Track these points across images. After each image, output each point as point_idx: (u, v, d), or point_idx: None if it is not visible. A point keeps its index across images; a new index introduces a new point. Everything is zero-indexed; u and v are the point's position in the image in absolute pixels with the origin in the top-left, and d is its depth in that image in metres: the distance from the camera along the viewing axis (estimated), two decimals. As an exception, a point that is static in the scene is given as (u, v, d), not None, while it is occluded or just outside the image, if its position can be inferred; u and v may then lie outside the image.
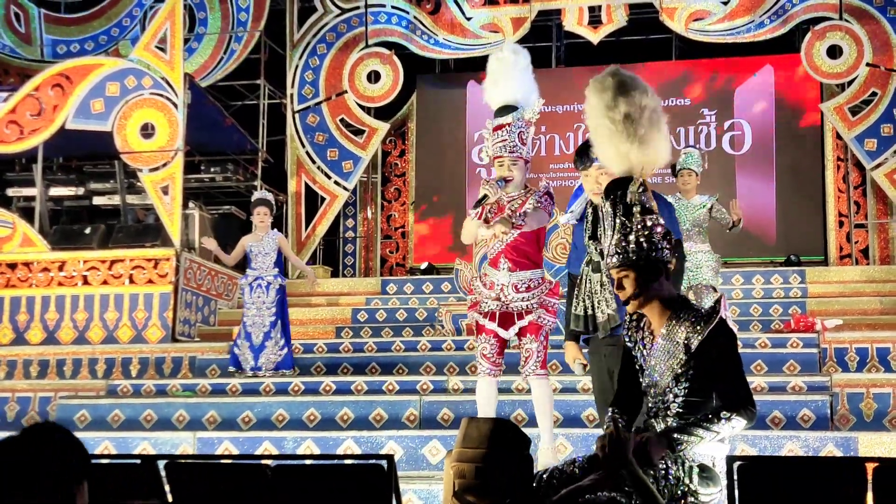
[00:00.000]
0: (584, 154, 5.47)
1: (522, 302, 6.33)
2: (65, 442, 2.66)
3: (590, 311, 5.54)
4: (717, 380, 3.97)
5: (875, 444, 6.72)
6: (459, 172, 15.19)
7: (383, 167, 15.66)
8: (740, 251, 13.64)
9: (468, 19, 14.47)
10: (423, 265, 14.44)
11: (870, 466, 3.43)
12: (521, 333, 6.39)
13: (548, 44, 15.51)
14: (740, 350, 9.33)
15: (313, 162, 14.48)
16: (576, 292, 5.61)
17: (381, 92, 14.40)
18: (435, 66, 15.78)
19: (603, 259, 4.91)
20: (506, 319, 6.36)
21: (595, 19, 14.12)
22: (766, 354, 9.34)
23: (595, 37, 14.10)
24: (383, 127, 14.66)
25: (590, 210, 5.57)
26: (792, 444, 6.84)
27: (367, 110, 14.66)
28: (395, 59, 14.33)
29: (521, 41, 14.21)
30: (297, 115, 14.59)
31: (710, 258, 9.20)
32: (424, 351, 10.36)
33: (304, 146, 14.53)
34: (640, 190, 4.17)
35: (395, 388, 9.05)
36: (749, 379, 8.32)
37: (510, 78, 6.47)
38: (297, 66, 14.73)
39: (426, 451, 7.17)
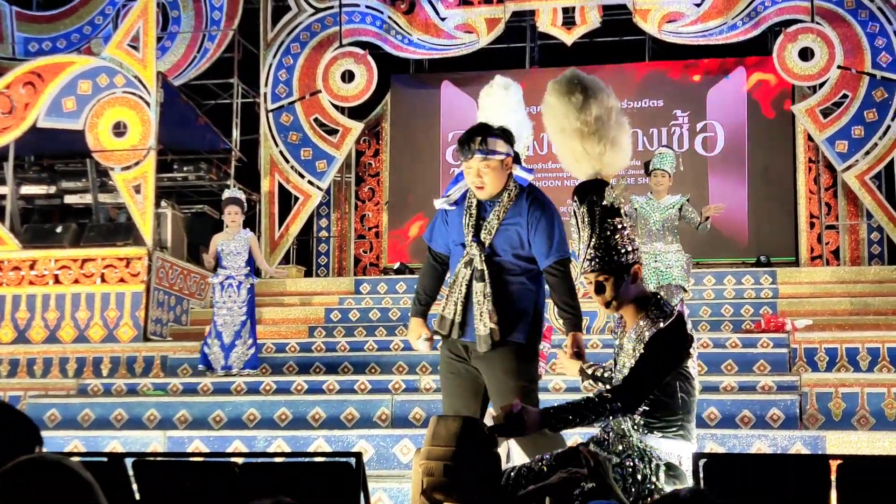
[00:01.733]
0: (466, 144, 4.94)
1: None
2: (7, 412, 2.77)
3: (458, 318, 5.02)
4: (636, 364, 3.98)
5: (842, 443, 6.78)
6: (433, 172, 15.18)
7: (357, 167, 15.64)
8: (712, 252, 13.70)
9: (442, 19, 14.48)
10: (396, 265, 14.44)
11: (833, 464, 3.46)
12: None
13: (522, 45, 15.55)
14: (710, 350, 9.47)
15: (287, 161, 14.45)
16: (448, 292, 5.08)
17: (355, 91, 14.37)
18: (409, 66, 15.78)
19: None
20: None
21: (569, 20, 14.16)
22: (737, 354, 9.41)
23: (569, 38, 14.14)
24: (357, 127, 14.64)
25: (474, 202, 5.06)
26: (761, 443, 6.89)
27: (341, 110, 14.64)
28: (370, 58, 14.32)
29: (495, 42, 14.32)
30: (270, 115, 14.55)
31: (680, 258, 9.21)
32: (397, 350, 10.37)
33: (277, 145, 14.50)
34: (616, 193, 4.19)
35: (367, 387, 9.05)
36: (719, 378, 8.49)
37: (500, 116, 6.46)
38: (270, 66, 14.70)
39: (397, 451, 7.17)
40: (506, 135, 5.03)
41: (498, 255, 4.99)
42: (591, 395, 4.00)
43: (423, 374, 9.32)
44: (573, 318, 5.01)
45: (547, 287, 5.11)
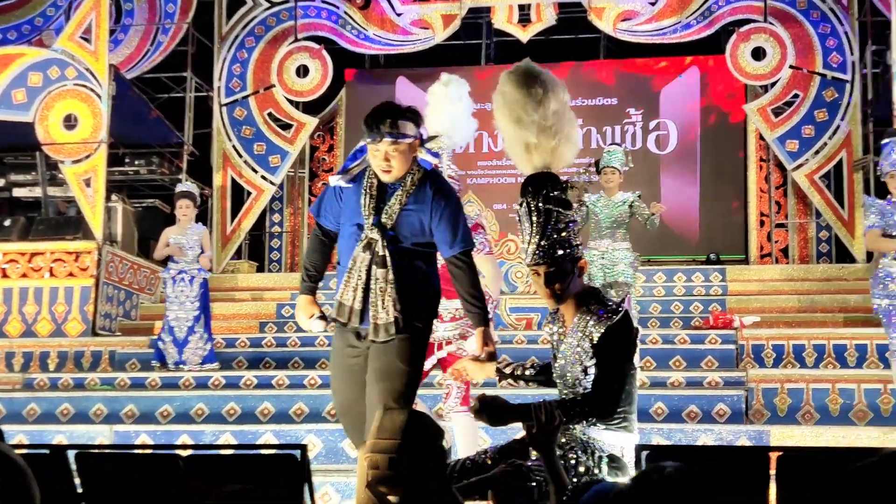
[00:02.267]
0: (375, 126, 4.67)
1: (445, 332, 6.25)
2: None
3: (358, 305, 4.77)
4: (597, 374, 4.02)
5: (786, 438, 6.87)
6: (387, 168, 15.14)
7: (311, 162, 15.59)
8: (663, 249, 13.82)
9: (399, 15, 14.46)
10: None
11: (773, 456, 3.50)
12: (442, 368, 6.29)
13: (478, 41, 15.56)
14: (659, 346, 9.56)
15: (240, 156, 14.36)
16: (346, 277, 4.81)
17: (309, 86, 14.32)
18: (365, 62, 15.76)
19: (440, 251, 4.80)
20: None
21: (524, 18, 14.19)
22: (686, 350, 9.51)
23: (524, 35, 14.17)
24: (312, 122, 14.59)
25: (374, 182, 4.82)
26: (706, 437, 6.96)
27: (296, 105, 14.57)
28: (325, 53, 14.27)
29: (451, 38, 14.32)
30: (223, 109, 14.47)
31: (628, 255, 9.26)
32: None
33: (230, 140, 14.41)
34: (567, 186, 4.21)
35: (317, 382, 9.03)
36: (666, 374, 8.56)
37: (438, 111, 6.54)
38: (224, 59, 14.60)
39: (345, 445, 7.16)
40: (414, 116, 4.83)
41: (399, 240, 4.80)
42: (565, 398, 4.01)
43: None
44: (480, 312, 4.88)
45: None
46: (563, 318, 4.24)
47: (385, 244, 4.75)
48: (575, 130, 4.35)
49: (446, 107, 6.54)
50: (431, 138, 6.35)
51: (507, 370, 4.55)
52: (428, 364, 6.01)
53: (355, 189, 4.87)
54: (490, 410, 3.97)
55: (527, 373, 4.50)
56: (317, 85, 14.28)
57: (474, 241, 5.92)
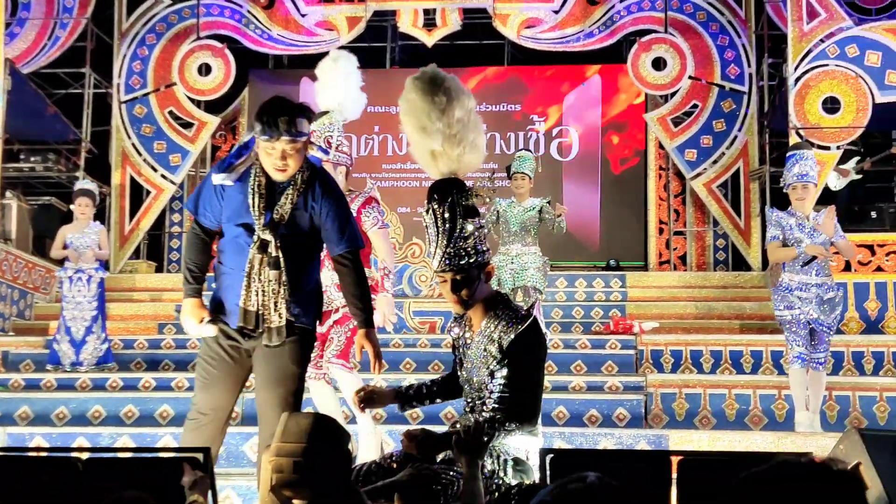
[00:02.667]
0: (272, 124, 4.53)
1: (341, 298, 6.20)
2: None
3: (262, 310, 4.67)
4: (511, 382, 4.05)
5: (684, 442, 6.99)
6: (290, 170, 15.05)
7: (213, 161, 15.39)
8: (565, 255, 13.95)
9: (303, 16, 14.37)
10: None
11: (675, 460, 3.56)
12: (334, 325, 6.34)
13: (383, 44, 15.55)
14: (560, 350, 9.64)
15: (139, 154, 14.12)
16: (246, 282, 4.65)
17: (212, 85, 14.14)
18: (268, 62, 15.62)
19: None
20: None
21: (430, 22, 14.21)
22: (586, 355, 9.61)
23: (429, 39, 14.19)
24: (213, 121, 14.41)
25: (263, 181, 4.67)
26: (606, 441, 7.05)
27: (198, 103, 14.38)
28: (228, 52, 14.10)
29: (357, 40, 14.26)
30: (123, 106, 14.21)
31: (537, 260, 9.34)
32: (250, 348, 10.23)
33: (129, 138, 14.16)
34: (472, 193, 4.22)
35: (217, 385, 8.89)
36: (568, 378, 8.64)
37: (329, 86, 6.66)
38: (124, 56, 14.35)
39: (246, 448, 7.08)
40: (309, 113, 4.75)
41: (291, 240, 4.69)
42: (478, 418, 4.01)
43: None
44: (363, 315, 4.83)
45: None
46: (470, 322, 4.25)
47: (278, 245, 4.64)
48: (481, 137, 4.36)
49: (338, 81, 6.62)
50: (323, 113, 6.43)
51: (408, 391, 4.51)
52: (324, 327, 6.17)
53: (240, 187, 4.70)
54: (421, 448, 3.94)
55: (425, 390, 4.47)
56: (219, 84, 14.10)
57: (368, 215, 6.23)
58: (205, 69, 14.13)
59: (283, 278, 4.64)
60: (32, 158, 13.85)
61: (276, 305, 4.64)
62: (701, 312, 11.74)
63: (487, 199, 4.26)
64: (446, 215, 4.11)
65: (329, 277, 5.96)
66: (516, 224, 9.34)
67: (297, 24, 14.38)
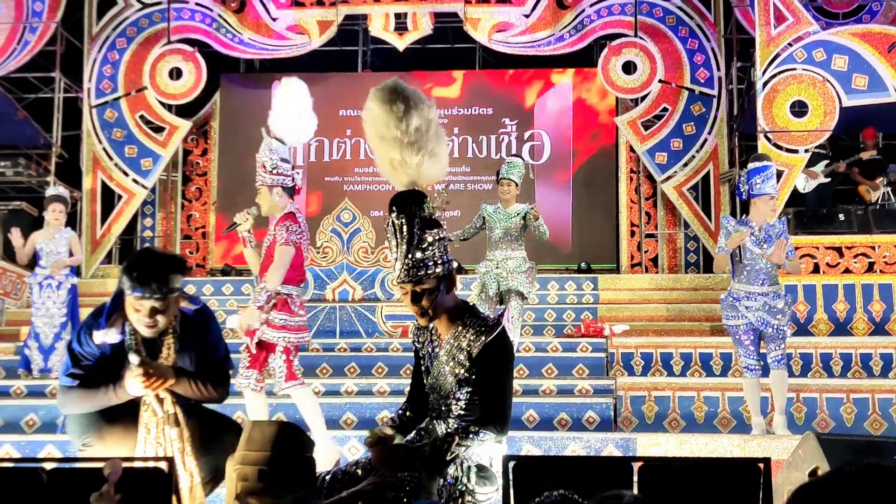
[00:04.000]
0: (145, 282, 4.23)
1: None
2: None
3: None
4: (482, 390, 4.07)
5: (652, 445, 7.04)
6: (263, 174, 15.04)
7: (184, 166, 15.37)
8: (537, 258, 13.87)
9: (274, 20, 14.36)
10: (222, 266, 14.28)
11: (636, 465, 3.59)
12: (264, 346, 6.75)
13: (355, 48, 15.55)
14: (532, 354, 9.67)
15: (110, 159, 14.08)
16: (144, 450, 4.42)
17: (183, 89, 14.10)
18: (240, 66, 15.60)
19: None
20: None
21: (401, 26, 14.22)
22: (557, 358, 9.64)
23: (401, 43, 14.21)
24: (185, 125, 14.38)
25: (137, 338, 4.40)
26: (575, 445, 7.08)
27: (169, 108, 14.35)
28: (199, 56, 14.07)
29: (328, 44, 14.29)
30: (94, 110, 14.16)
31: (522, 265, 9.33)
32: (222, 353, 10.21)
33: (100, 142, 14.11)
34: (433, 204, 4.23)
35: (188, 390, 8.88)
36: (539, 382, 8.68)
37: (277, 113, 7.01)
38: (95, 60, 14.30)
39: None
40: (182, 264, 4.45)
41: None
42: (451, 430, 4.02)
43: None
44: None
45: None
46: (437, 332, 4.27)
47: (174, 400, 4.39)
48: (442, 147, 4.36)
49: (289, 106, 6.98)
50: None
51: (405, 422, 4.43)
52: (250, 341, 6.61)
53: (117, 345, 4.38)
54: (386, 462, 3.95)
55: (410, 415, 4.43)
56: (190, 88, 14.07)
57: (279, 232, 6.67)
58: (176, 73, 14.10)
59: (186, 434, 4.40)
60: (2, 163, 13.80)
61: (185, 465, 4.39)
62: (672, 315, 11.81)
63: (443, 209, 4.27)
64: (405, 227, 4.12)
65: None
66: (500, 229, 9.36)
67: (267, 28, 14.37)
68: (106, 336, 4.36)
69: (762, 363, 7.51)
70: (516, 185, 9.38)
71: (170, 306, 4.31)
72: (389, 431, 4.16)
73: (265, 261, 6.83)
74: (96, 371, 4.38)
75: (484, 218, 9.45)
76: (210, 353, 4.55)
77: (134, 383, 4.29)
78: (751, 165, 7.64)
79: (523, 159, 9.90)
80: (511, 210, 9.40)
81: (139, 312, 4.27)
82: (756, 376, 7.45)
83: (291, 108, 6.98)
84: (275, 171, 6.80)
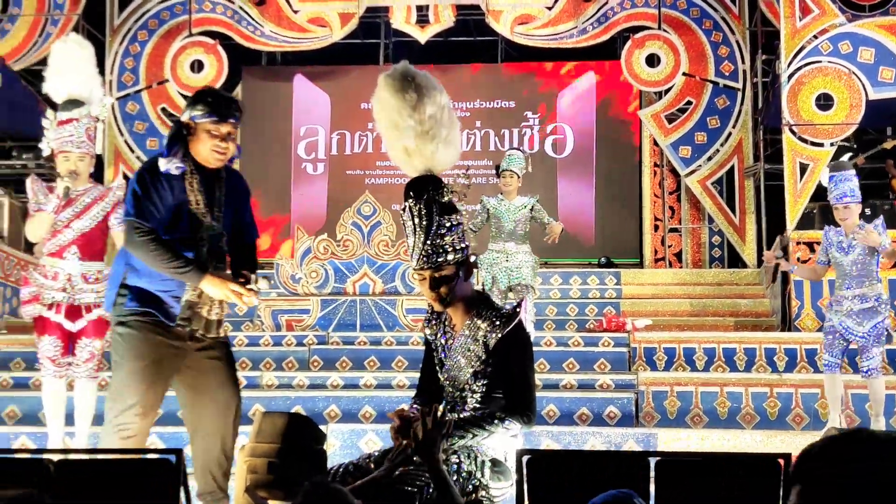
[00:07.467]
0: (224, 106, 4.68)
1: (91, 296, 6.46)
2: None
3: (209, 306, 4.70)
4: (504, 380, 3.99)
5: (673, 440, 6.94)
6: (284, 166, 15.04)
7: (206, 159, 15.34)
8: (559, 252, 13.87)
9: (295, 12, 14.32)
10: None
11: (652, 460, 3.51)
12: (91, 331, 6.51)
13: (376, 41, 15.49)
14: (553, 348, 9.59)
15: (132, 151, 14.09)
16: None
17: (204, 82, 14.02)
18: (261, 58, 15.57)
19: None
20: (72, 313, 6.48)
21: (423, 18, 14.16)
22: (579, 353, 9.55)
23: (422, 35, 14.15)
24: (206, 118, 14.34)
25: (197, 176, 4.67)
26: (595, 440, 7.00)
27: (190, 100, 14.32)
28: (220, 49, 14.06)
29: (349, 37, 14.25)
30: (116, 103, 14.16)
31: (529, 259, 9.35)
32: (241, 346, 10.17)
33: (122, 134, 14.12)
34: (449, 190, 4.16)
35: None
36: (560, 376, 8.59)
37: (77, 71, 6.68)
38: (116, 53, 14.31)
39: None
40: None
41: (225, 233, 4.82)
42: (477, 413, 3.94)
43: (266, 371, 9.18)
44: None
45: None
46: (451, 321, 4.19)
47: (226, 239, 4.75)
48: (455, 133, 4.28)
49: (84, 69, 6.69)
50: (73, 103, 6.50)
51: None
52: (77, 325, 6.42)
53: (178, 184, 4.62)
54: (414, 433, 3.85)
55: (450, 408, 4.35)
56: (212, 80, 14.03)
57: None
58: (197, 66, 14.09)
59: (228, 271, 4.74)
60: (25, 156, 13.81)
61: (210, 300, 4.69)
62: (696, 310, 11.70)
63: (463, 196, 4.20)
64: (423, 213, 4.05)
65: (77, 267, 6.25)
66: (509, 222, 9.33)
67: (289, 20, 14.33)
68: (169, 164, 4.56)
69: (843, 361, 7.43)
70: (518, 176, 9.39)
71: (236, 136, 4.71)
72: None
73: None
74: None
75: (488, 210, 9.41)
76: (247, 216, 4.93)
77: (217, 287, 4.56)
78: (829, 172, 7.68)
79: (523, 151, 9.87)
80: (516, 202, 9.40)
81: (214, 138, 4.61)
82: (834, 373, 7.34)
83: (89, 68, 6.72)
84: (94, 139, 6.60)
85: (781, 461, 3.42)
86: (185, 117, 4.67)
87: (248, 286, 4.67)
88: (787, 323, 10.72)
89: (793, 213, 10.93)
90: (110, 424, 4.68)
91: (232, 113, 4.63)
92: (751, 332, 10.22)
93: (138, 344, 4.65)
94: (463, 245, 4.12)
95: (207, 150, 4.61)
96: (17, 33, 13.85)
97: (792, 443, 6.64)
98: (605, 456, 4.60)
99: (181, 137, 4.63)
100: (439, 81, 4.36)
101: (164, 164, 4.57)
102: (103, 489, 3.85)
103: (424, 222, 4.06)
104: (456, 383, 4.13)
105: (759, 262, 12.82)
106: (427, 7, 14.13)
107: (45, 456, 3.94)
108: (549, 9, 14.02)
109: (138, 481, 3.84)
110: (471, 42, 15.28)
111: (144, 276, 4.66)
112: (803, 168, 10.98)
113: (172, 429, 7.37)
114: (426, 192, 4.10)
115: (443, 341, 4.20)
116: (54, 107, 6.74)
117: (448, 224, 4.08)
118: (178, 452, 3.77)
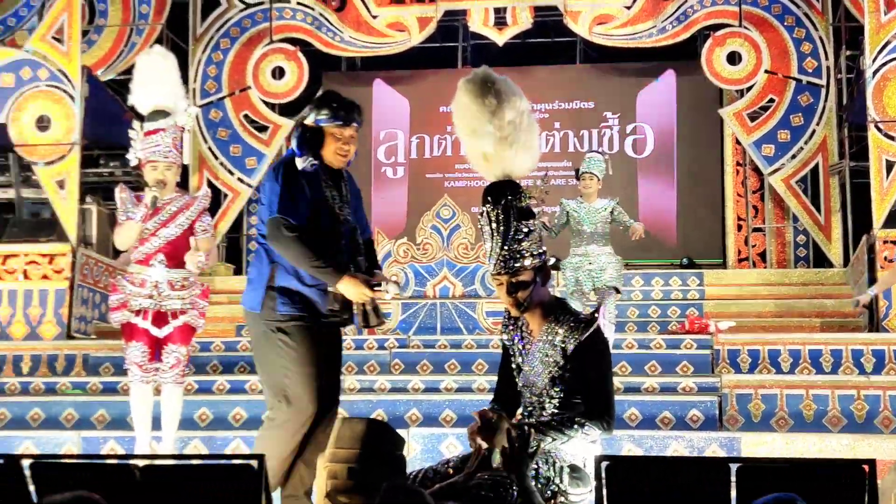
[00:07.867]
0: (349, 110, 4.98)
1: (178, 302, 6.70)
2: None
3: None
4: (583, 386, 3.98)
5: (757, 444, 6.84)
6: (364, 171, 15.13)
7: (288, 165, 15.50)
8: (641, 253, 13.79)
9: (374, 17, 14.40)
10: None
11: (733, 466, 3.47)
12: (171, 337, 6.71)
13: (454, 44, 15.53)
14: (635, 351, 9.53)
15: (216, 158, 14.30)
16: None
17: (285, 88, 14.25)
18: (341, 64, 15.70)
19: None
20: (159, 319, 6.67)
21: (500, 21, 14.16)
22: (661, 355, 9.45)
23: (500, 38, 14.15)
24: (288, 124, 14.46)
25: (328, 172, 5.07)
26: (677, 444, 6.92)
27: (272, 106, 14.51)
28: (300, 55, 14.21)
29: (428, 41, 14.30)
30: (199, 111, 14.38)
31: (613, 260, 9.35)
32: (323, 350, 10.27)
33: (206, 142, 14.33)
34: (528, 195, 4.17)
35: (290, 387, 8.93)
36: (641, 379, 8.53)
37: (162, 82, 6.84)
38: (199, 61, 14.53)
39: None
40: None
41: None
42: (556, 417, 3.94)
43: (348, 374, 9.25)
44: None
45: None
46: (528, 326, 4.19)
47: (360, 232, 5.07)
48: (534, 138, 4.29)
49: (169, 80, 6.89)
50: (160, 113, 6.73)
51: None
52: (164, 331, 6.63)
53: (314, 177, 4.91)
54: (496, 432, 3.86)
55: (528, 411, 4.36)
56: (293, 87, 14.22)
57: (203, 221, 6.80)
58: (278, 72, 14.26)
59: (364, 265, 5.02)
60: (112, 163, 14.10)
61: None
62: (781, 310, 11.52)
63: (542, 200, 4.20)
64: (500, 217, 4.07)
65: (163, 275, 6.41)
66: (590, 225, 9.35)
67: (368, 25, 14.42)
68: (305, 163, 4.86)
69: None
70: (598, 179, 9.39)
71: (357, 139, 4.99)
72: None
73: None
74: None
75: (567, 214, 9.41)
76: (362, 214, 5.23)
77: (354, 289, 4.76)
78: None
79: (603, 154, 9.85)
80: (596, 205, 9.40)
81: (338, 141, 4.91)
82: None
83: (173, 78, 6.90)
84: (181, 149, 6.87)
85: (866, 467, 3.36)
86: (309, 120, 4.91)
87: (378, 288, 4.92)
88: (874, 324, 10.50)
89: (879, 212, 10.70)
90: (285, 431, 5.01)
91: (355, 117, 4.93)
92: (837, 334, 10.03)
93: (304, 351, 4.88)
94: (541, 250, 4.12)
95: (331, 152, 4.91)
96: (103, 44, 14.14)
97: (880, 447, 6.50)
98: (684, 462, 4.56)
99: (310, 139, 4.89)
100: (518, 84, 4.36)
101: (300, 163, 4.85)
102: (187, 494, 3.92)
103: (502, 227, 4.08)
104: (533, 388, 4.13)
105: (846, 262, 12.60)
106: (505, 9, 14.13)
107: (131, 462, 4.01)
108: (628, 8, 13.92)
109: (222, 486, 3.89)
110: (549, 43, 15.24)
111: (292, 274, 4.87)
112: (889, 165, 10.73)
113: (256, 433, 7.47)
114: (504, 197, 4.12)
115: (520, 346, 4.20)
116: (140, 118, 6.87)
117: (525, 229, 4.09)
118: (261, 458, 3.81)
